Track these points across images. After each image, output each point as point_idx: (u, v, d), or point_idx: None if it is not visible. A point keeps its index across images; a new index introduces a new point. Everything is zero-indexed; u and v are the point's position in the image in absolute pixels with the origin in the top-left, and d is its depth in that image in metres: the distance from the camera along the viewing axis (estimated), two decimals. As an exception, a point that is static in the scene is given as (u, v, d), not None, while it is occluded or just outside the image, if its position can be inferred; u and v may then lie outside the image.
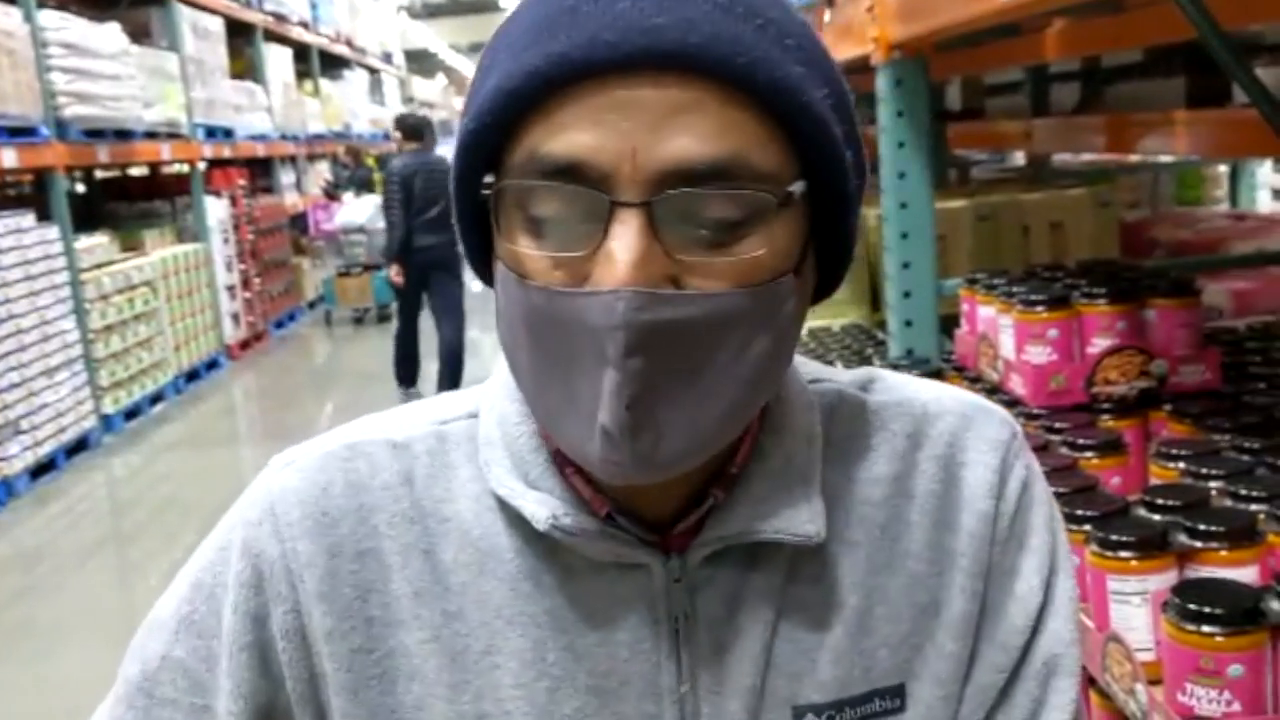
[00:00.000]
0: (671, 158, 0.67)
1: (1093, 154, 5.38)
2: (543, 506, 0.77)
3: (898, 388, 0.87)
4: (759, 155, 0.68)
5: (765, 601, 0.80)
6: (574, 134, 0.67)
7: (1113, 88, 5.11)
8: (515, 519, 0.80)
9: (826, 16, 2.79)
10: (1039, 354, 1.87)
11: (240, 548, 0.82)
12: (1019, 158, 6.25)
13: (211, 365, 9.95)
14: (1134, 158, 5.42)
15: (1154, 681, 1.26)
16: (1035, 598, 0.83)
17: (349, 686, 0.80)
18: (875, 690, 0.81)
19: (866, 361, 2.81)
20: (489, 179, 0.72)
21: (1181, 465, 1.54)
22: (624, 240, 0.67)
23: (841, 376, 0.88)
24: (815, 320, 3.63)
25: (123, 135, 8.45)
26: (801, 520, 0.78)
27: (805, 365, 0.87)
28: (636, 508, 0.79)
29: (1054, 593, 0.85)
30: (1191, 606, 1.17)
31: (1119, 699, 1.32)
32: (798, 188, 0.70)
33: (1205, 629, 1.15)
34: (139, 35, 9.18)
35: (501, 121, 0.70)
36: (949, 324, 2.44)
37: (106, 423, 7.89)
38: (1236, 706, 1.15)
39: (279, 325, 12.06)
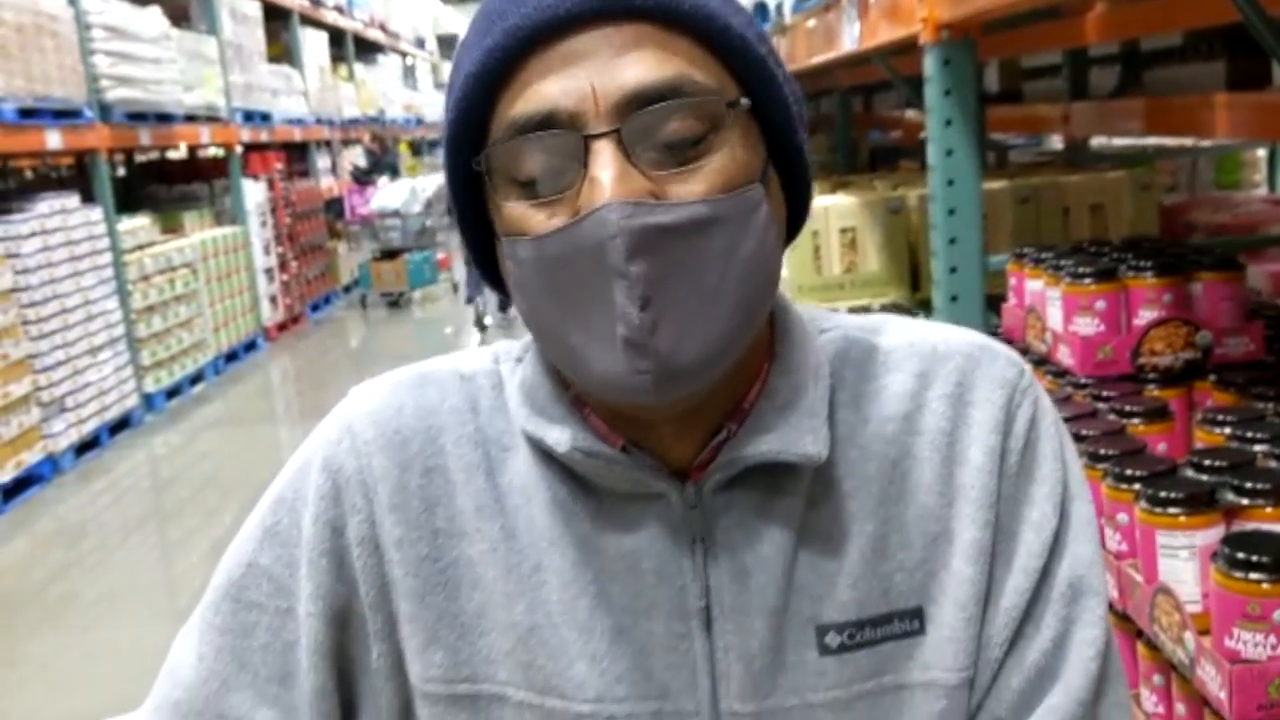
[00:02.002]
0: (626, 87, 0.77)
1: (1131, 138, 5.39)
2: (564, 434, 0.85)
3: (908, 330, 0.94)
4: (701, 74, 0.78)
5: (783, 528, 0.87)
6: (539, 89, 0.77)
7: (1151, 71, 5.12)
8: (547, 456, 0.88)
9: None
10: (1087, 325, 1.91)
11: (320, 464, 0.91)
12: (1056, 142, 6.26)
13: (250, 346, 10.06)
14: (1172, 142, 5.42)
15: (1202, 632, 1.30)
16: (1050, 523, 0.89)
17: (416, 592, 0.89)
18: (894, 612, 0.87)
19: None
20: (476, 162, 0.81)
21: (1228, 430, 1.58)
22: (602, 165, 0.76)
23: (852, 322, 0.95)
24: (855, 299, 3.67)
25: (163, 118, 8.55)
26: (805, 442, 0.85)
27: (818, 313, 0.95)
28: (650, 445, 0.87)
29: (1070, 519, 0.90)
30: (1240, 555, 1.22)
31: (1167, 648, 1.37)
32: (744, 102, 0.80)
33: (1253, 576, 1.21)
34: (179, 19, 9.28)
35: (478, 105, 0.80)
36: (992, 303, 2.48)
37: (148, 401, 8.01)
38: (1283, 651, 1.20)
39: (315, 308, 12.17)
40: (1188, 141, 5.39)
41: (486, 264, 0.89)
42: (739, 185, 0.79)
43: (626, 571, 0.87)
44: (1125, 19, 3.47)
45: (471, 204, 0.86)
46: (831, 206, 3.79)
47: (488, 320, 9.77)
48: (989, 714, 0.89)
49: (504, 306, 9.73)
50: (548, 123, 0.77)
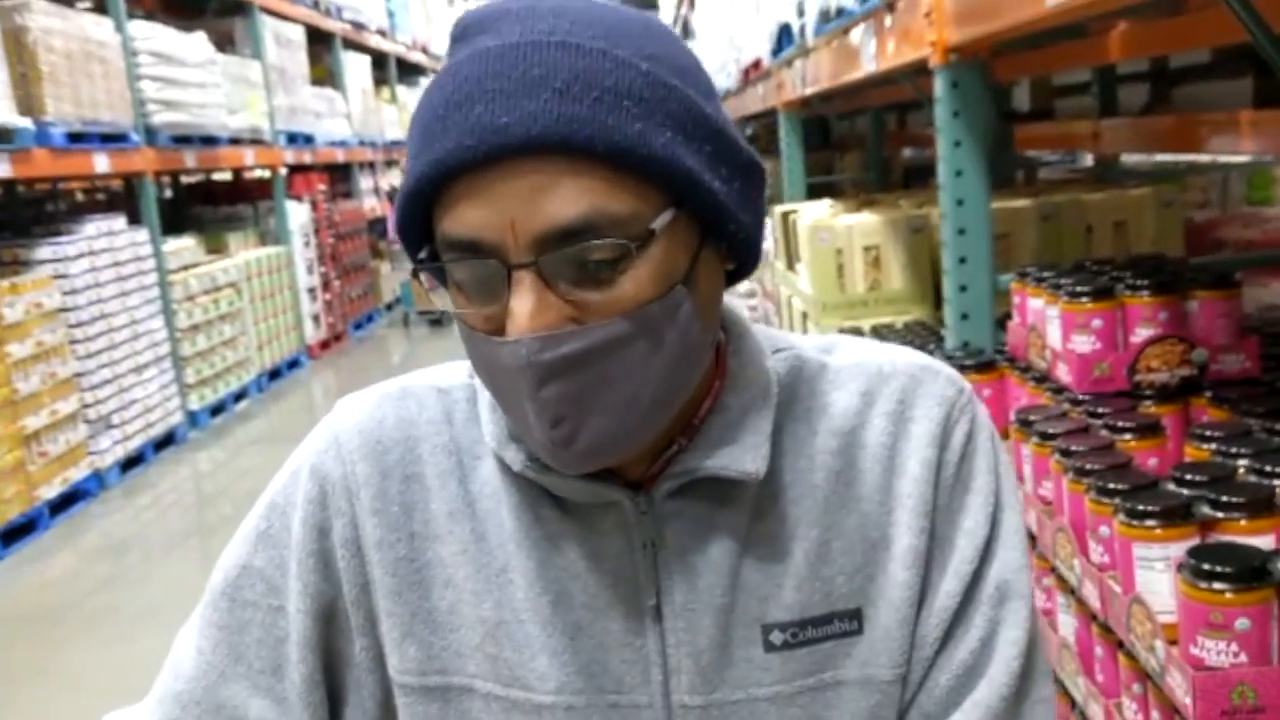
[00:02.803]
0: (542, 224, 0.80)
1: (1162, 155, 5.39)
2: (519, 453, 0.92)
3: (856, 351, 1.00)
4: (616, 205, 0.81)
5: (730, 534, 0.93)
6: (466, 215, 0.82)
7: (1180, 88, 5.13)
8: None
9: (887, 21, 2.88)
10: (1083, 343, 1.95)
11: (309, 470, 0.99)
12: (1090, 159, 6.26)
13: (293, 364, 10.22)
14: (1204, 158, 5.42)
15: (1172, 641, 1.34)
16: (982, 531, 0.95)
17: (394, 590, 0.96)
18: (834, 612, 0.94)
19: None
20: (421, 255, 0.88)
21: (1213, 446, 1.62)
22: (520, 296, 0.81)
23: (806, 342, 1.01)
24: (878, 318, 3.71)
25: (208, 141, 8.71)
26: (745, 460, 0.91)
27: (771, 335, 1.01)
28: None
29: (1001, 528, 0.96)
30: (1204, 566, 1.26)
31: (1141, 656, 1.41)
32: (661, 221, 0.83)
33: (1216, 586, 1.25)
34: (224, 44, 9.45)
35: (416, 213, 0.86)
36: (1004, 323, 2.52)
37: (192, 419, 8.16)
38: (1243, 658, 1.24)
39: (358, 326, 12.33)
40: (1220, 158, 5.38)
41: None
42: (661, 293, 0.83)
43: (586, 572, 0.93)
44: (1147, 37, 3.49)
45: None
46: (855, 225, 3.83)
47: None
48: (919, 709, 0.95)
49: None
50: (474, 247, 0.82)
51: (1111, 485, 1.53)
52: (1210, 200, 5.75)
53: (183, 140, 8.25)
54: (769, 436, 0.93)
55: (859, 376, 0.98)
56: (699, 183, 0.84)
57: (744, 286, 6.51)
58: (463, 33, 0.86)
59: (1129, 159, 5.87)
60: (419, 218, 0.86)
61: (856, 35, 3.28)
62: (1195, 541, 1.39)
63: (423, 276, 0.88)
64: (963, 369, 2.33)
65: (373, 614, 0.97)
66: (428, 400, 1.00)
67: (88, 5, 8.32)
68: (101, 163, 7.03)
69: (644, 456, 0.93)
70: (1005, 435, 2.09)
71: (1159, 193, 3.71)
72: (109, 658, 4.46)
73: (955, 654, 0.94)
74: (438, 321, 12.15)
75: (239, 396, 8.98)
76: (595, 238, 0.80)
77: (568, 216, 0.80)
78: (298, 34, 10.99)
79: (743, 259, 0.93)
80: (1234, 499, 1.39)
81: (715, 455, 0.92)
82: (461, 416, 0.99)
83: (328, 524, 0.97)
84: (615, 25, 0.84)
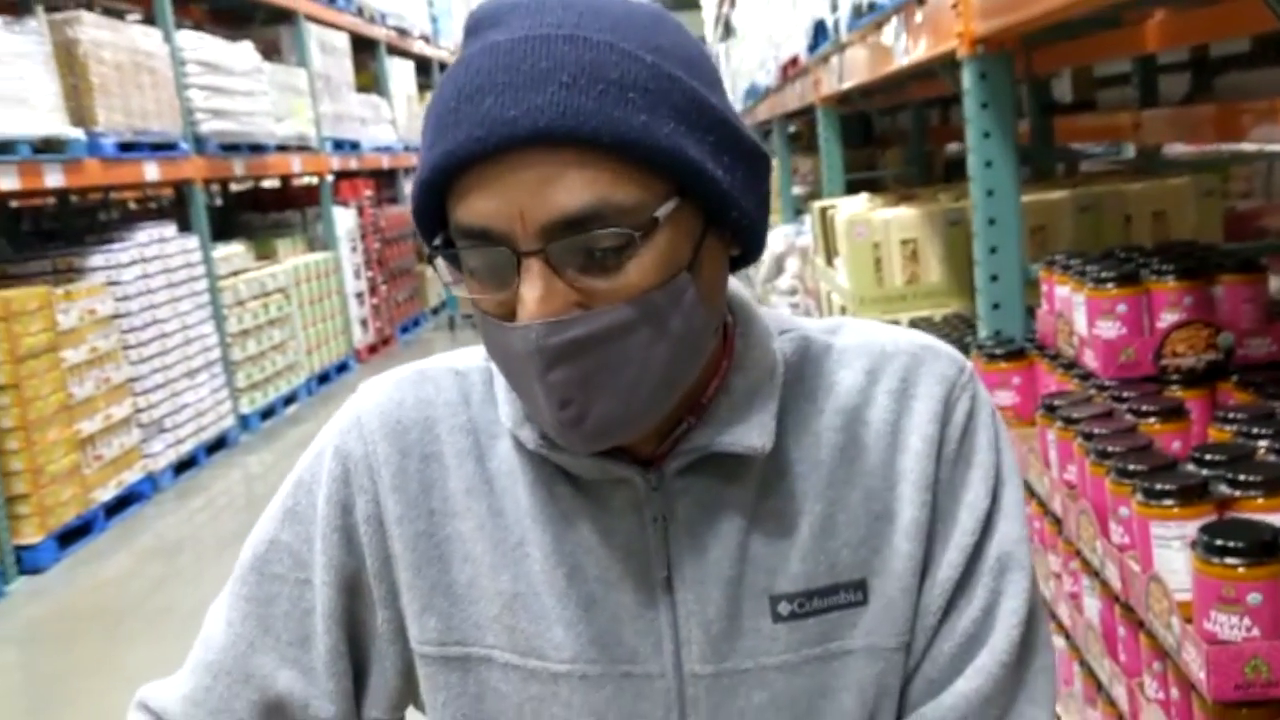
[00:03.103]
0: (550, 213, 0.83)
1: (1207, 145, 5.36)
2: (533, 432, 0.96)
3: (860, 332, 1.03)
4: (621, 195, 0.83)
5: (738, 509, 0.96)
6: (476, 204, 0.84)
7: (1222, 78, 5.10)
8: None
9: (918, 16, 2.90)
10: (1109, 329, 1.96)
11: (333, 450, 1.03)
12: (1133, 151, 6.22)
13: (341, 368, 10.34)
14: (1249, 148, 5.38)
15: (1188, 619, 1.36)
16: (982, 504, 0.98)
17: (413, 564, 1.00)
18: (839, 584, 0.96)
19: (965, 349, 2.91)
20: (437, 242, 0.91)
21: (1235, 427, 1.63)
22: (529, 282, 0.84)
23: (812, 324, 1.04)
24: (916, 311, 3.72)
25: (256, 149, 8.83)
26: (752, 436, 0.94)
27: (777, 316, 1.04)
28: None
29: (1001, 501, 0.99)
30: (1216, 542, 1.28)
31: (1159, 633, 1.42)
32: (665, 209, 0.85)
33: (1228, 561, 1.26)
34: (270, 53, 9.58)
35: (430, 202, 0.89)
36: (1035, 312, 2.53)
37: (243, 422, 8.28)
38: (1255, 631, 1.26)
39: (405, 330, 12.45)
40: (1266, 147, 5.34)
41: None
42: (665, 279, 0.86)
43: (599, 546, 0.97)
44: (1185, 27, 3.49)
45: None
46: (893, 219, 3.84)
47: None
48: (924, 676, 0.98)
49: None
50: (485, 235, 0.85)
51: (1131, 466, 1.54)
52: (1255, 190, 5.70)
53: (231, 148, 8.38)
54: (775, 414, 0.96)
55: (863, 356, 1.01)
56: (702, 172, 0.86)
57: (786, 284, 6.52)
58: (475, 26, 0.89)
59: (1173, 150, 5.83)
60: (433, 206, 0.89)
61: (888, 29, 3.30)
62: (1212, 520, 1.40)
63: (438, 263, 0.91)
64: (993, 358, 2.35)
65: (394, 587, 1.01)
66: (445, 382, 1.04)
67: (137, 17, 8.48)
68: (152, 171, 7.16)
69: (653, 435, 0.96)
70: (1032, 423, 2.11)
71: (1198, 182, 3.69)
72: (170, 655, 4.46)
73: (958, 623, 0.97)
74: (484, 324, 12.23)
75: (289, 400, 9.10)
76: (601, 227, 0.83)
77: (575, 206, 0.82)
78: (343, 41, 11.12)
79: (746, 245, 0.95)
80: (1251, 477, 1.41)
81: (723, 433, 0.95)
82: (478, 398, 1.03)
83: (351, 501, 1.01)
84: (622, 18, 0.86)
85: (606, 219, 0.83)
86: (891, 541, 0.97)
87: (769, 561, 0.96)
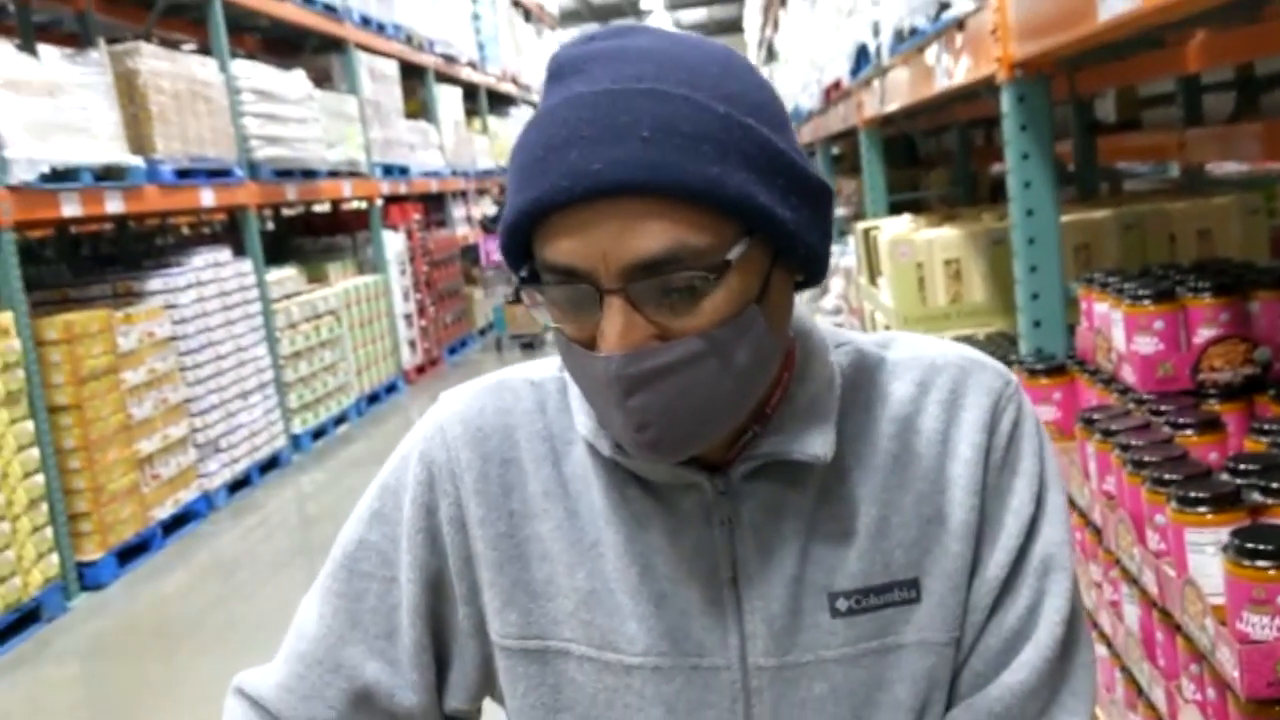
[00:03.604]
0: (630, 257, 0.90)
1: (1251, 163, 5.36)
2: (608, 441, 1.03)
3: (911, 345, 1.10)
4: (696, 239, 0.90)
5: (799, 512, 1.03)
6: (562, 244, 0.91)
7: (1268, 95, 5.11)
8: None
9: (958, 40, 2.96)
10: (1147, 344, 2.01)
11: (417, 456, 1.11)
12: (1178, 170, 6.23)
13: (391, 389, 10.48)
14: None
15: (1222, 622, 1.41)
16: (1028, 509, 1.04)
17: (495, 563, 1.07)
18: (894, 582, 1.03)
19: (1007, 365, 2.96)
20: (523, 273, 0.98)
21: (1270, 439, 1.68)
22: (611, 318, 0.91)
23: (864, 339, 1.11)
24: (959, 330, 3.76)
25: (308, 175, 9.00)
26: (815, 445, 1.01)
27: (833, 331, 1.11)
28: None
29: (1045, 506, 1.05)
30: (1248, 545, 1.33)
31: (1194, 635, 1.47)
32: (736, 251, 0.92)
33: (1259, 564, 1.32)
34: (321, 80, 9.76)
35: (518, 241, 0.97)
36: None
37: (295, 442, 8.42)
38: (1287, 631, 1.31)
39: (452, 351, 12.59)
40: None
41: None
42: (736, 313, 0.93)
43: (669, 546, 1.04)
44: (1226, 46, 3.52)
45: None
46: (935, 239, 3.89)
47: None
48: (971, 669, 1.04)
49: None
50: (570, 272, 0.92)
51: (1166, 475, 1.60)
52: (1302, 207, 5.68)
53: (284, 174, 8.53)
54: (834, 424, 1.04)
55: (914, 368, 1.08)
56: (772, 216, 0.92)
57: (830, 304, 6.57)
58: (558, 72, 0.97)
59: (1220, 168, 5.84)
60: (520, 242, 0.97)
61: (930, 53, 3.36)
62: (1243, 525, 1.46)
63: (524, 293, 0.99)
64: (1034, 373, 2.40)
65: (475, 585, 1.09)
66: (522, 392, 1.12)
67: (192, 47, 8.69)
68: (208, 197, 7.33)
69: (721, 443, 1.03)
70: (1071, 436, 2.16)
71: (1243, 201, 3.70)
72: (231, 670, 4.54)
73: (1004, 620, 1.04)
74: (530, 345, 12.36)
75: (339, 420, 9.24)
76: (677, 269, 0.90)
77: (653, 250, 0.89)
78: (392, 69, 11.30)
79: (810, 272, 1.03)
80: (1282, 485, 1.46)
81: (786, 441, 1.02)
82: (554, 406, 1.10)
83: (435, 504, 1.09)
84: (696, 67, 0.93)
85: (682, 262, 0.90)
86: (943, 542, 1.04)
87: (828, 561, 1.03)
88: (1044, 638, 1.03)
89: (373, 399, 10.02)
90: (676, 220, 0.90)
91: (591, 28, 1.01)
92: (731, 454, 1.04)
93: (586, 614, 1.05)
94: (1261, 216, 3.78)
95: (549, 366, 1.14)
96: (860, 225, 4.76)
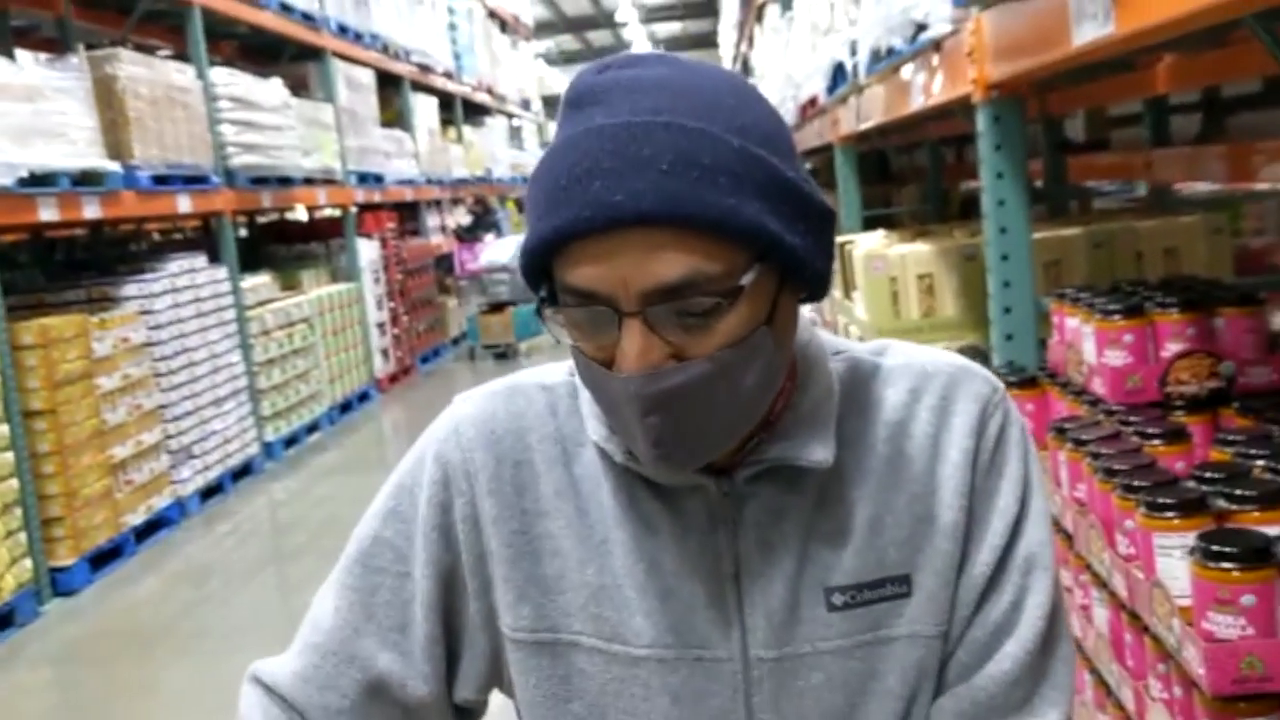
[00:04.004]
0: (649, 282, 0.95)
1: (1217, 183, 5.47)
2: (619, 448, 1.09)
3: (904, 353, 1.16)
4: (711, 266, 0.96)
5: (799, 512, 1.09)
6: (584, 270, 0.97)
7: (1234, 117, 5.22)
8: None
9: (934, 61, 3.03)
10: (1116, 357, 2.08)
11: (433, 456, 1.16)
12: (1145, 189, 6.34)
13: (363, 397, 10.48)
14: (1264, 186, 5.49)
15: (1188, 623, 1.48)
16: (1012, 511, 1.11)
17: (509, 559, 1.13)
18: (887, 578, 1.09)
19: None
20: (543, 293, 1.03)
21: (1234, 449, 1.75)
22: (630, 338, 0.96)
23: (860, 347, 1.17)
24: (932, 342, 3.81)
25: (284, 182, 9.00)
26: (816, 450, 1.07)
27: (831, 339, 1.16)
28: None
29: (1029, 508, 1.12)
30: (1213, 548, 1.40)
31: (1162, 635, 1.54)
32: (748, 277, 0.97)
33: (1224, 565, 1.38)
34: (298, 88, 9.77)
35: (539, 263, 1.02)
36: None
37: (268, 449, 8.42)
38: (1250, 630, 1.37)
39: (425, 360, 12.60)
40: (1274, 185, 5.45)
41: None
42: (747, 335, 0.98)
43: (675, 544, 1.10)
44: (1195, 69, 3.61)
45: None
46: (909, 254, 3.97)
47: None
48: (958, 660, 1.10)
49: None
50: (591, 296, 0.97)
51: (1135, 482, 1.66)
52: (1267, 228, 5.81)
53: (259, 181, 8.54)
54: (834, 429, 1.09)
55: (906, 375, 1.13)
56: (781, 243, 0.98)
57: (805, 315, 6.64)
58: (576, 101, 1.01)
59: (1186, 188, 5.95)
60: (540, 265, 1.02)
61: (906, 73, 3.44)
62: (1209, 529, 1.52)
63: (544, 313, 1.04)
64: (1007, 385, 2.46)
65: (487, 580, 1.14)
66: (534, 395, 1.17)
67: (167, 53, 8.68)
68: (184, 203, 7.33)
69: (728, 450, 1.08)
70: (1044, 446, 2.22)
71: (1208, 220, 3.79)
72: (203, 676, 4.67)
73: (989, 614, 1.10)
74: (503, 355, 12.39)
75: (312, 428, 9.23)
76: (694, 294, 0.95)
77: (671, 276, 0.94)
78: (368, 77, 11.32)
79: (813, 289, 1.08)
80: (1247, 492, 1.53)
81: (790, 447, 1.08)
82: (564, 410, 1.16)
83: (450, 502, 1.14)
84: (712, 99, 0.98)
85: (698, 287, 0.95)
86: (933, 541, 1.10)
87: (825, 559, 1.09)
88: (1026, 631, 1.09)
89: (345, 407, 10.01)
90: (693, 249, 0.95)
91: (606, 60, 1.04)
92: (737, 459, 1.09)
93: (596, 608, 1.10)
94: (1226, 236, 3.86)
95: (559, 371, 1.19)
96: (835, 240, 4.82)
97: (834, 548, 1.09)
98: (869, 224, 5.69)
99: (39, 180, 5.72)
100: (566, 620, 1.11)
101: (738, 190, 0.95)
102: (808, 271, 1.02)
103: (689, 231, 0.94)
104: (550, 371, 1.20)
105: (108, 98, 6.49)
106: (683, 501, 1.10)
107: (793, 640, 1.08)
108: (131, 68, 6.70)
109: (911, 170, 8.88)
